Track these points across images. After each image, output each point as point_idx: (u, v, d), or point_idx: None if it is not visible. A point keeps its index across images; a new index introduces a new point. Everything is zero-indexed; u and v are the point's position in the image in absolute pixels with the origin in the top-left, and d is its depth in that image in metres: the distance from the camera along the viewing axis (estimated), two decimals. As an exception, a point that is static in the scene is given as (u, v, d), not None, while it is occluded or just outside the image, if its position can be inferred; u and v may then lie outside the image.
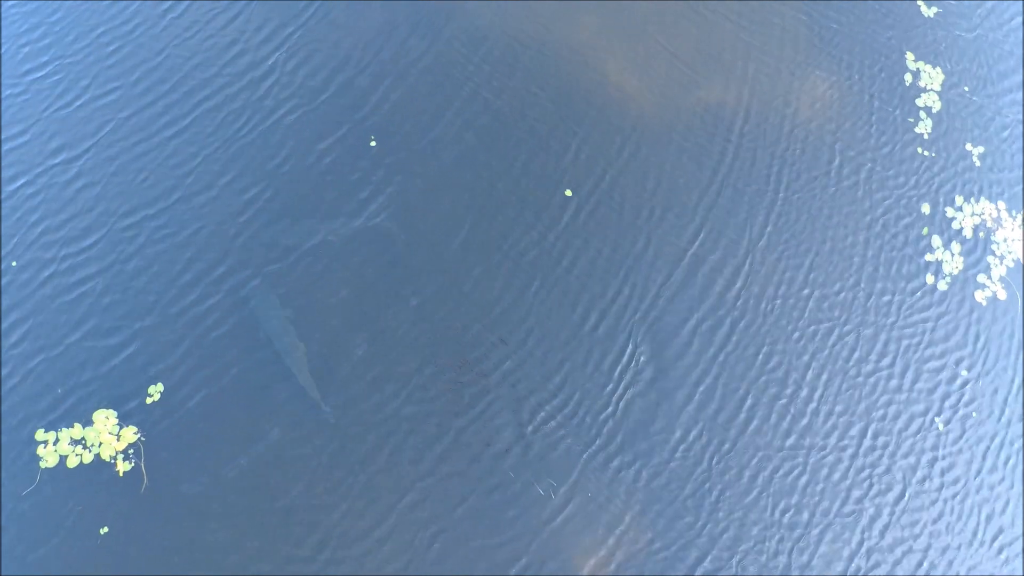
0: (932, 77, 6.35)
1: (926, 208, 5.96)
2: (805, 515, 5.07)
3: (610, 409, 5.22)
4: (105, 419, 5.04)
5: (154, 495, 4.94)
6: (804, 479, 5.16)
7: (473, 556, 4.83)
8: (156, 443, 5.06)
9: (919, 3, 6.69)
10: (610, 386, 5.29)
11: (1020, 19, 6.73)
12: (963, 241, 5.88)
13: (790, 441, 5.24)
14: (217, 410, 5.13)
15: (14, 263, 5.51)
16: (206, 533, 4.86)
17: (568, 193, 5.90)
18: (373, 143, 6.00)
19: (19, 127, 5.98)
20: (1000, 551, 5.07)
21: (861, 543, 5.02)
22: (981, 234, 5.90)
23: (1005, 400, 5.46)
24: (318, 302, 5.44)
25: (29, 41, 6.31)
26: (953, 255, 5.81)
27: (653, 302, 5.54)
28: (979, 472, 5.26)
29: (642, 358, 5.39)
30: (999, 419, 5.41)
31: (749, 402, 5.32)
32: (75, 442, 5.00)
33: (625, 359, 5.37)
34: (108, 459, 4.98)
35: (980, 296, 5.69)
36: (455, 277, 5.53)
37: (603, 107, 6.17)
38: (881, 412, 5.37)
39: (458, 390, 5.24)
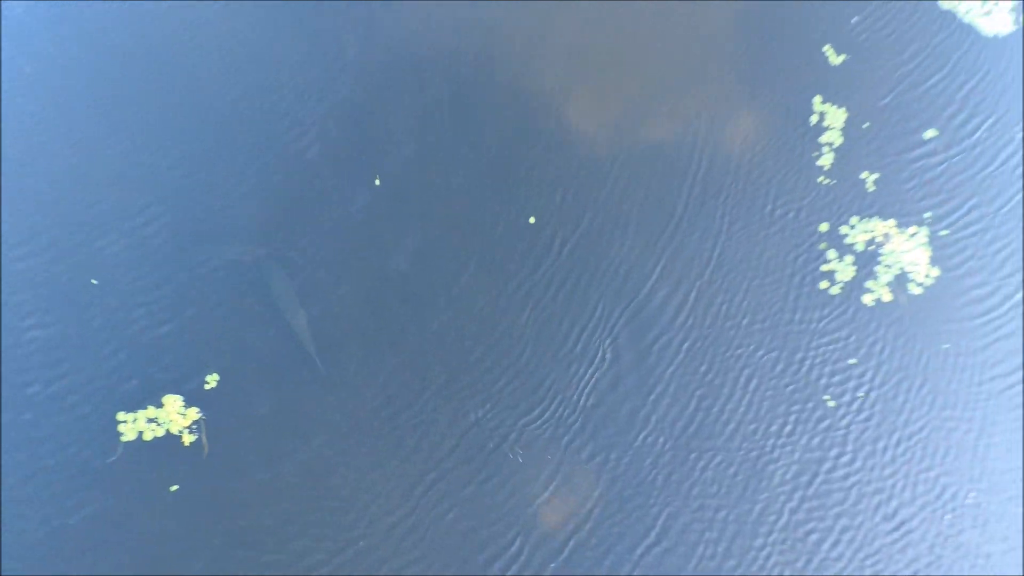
0: (836, 116, 7.58)
1: (824, 227, 7.22)
2: (734, 496, 6.41)
3: (584, 411, 6.60)
4: (173, 402, 6.47)
5: (212, 461, 6.34)
6: (734, 468, 6.47)
7: (477, 529, 6.26)
8: (215, 421, 6.45)
9: (826, 53, 7.90)
10: (585, 393, 6.66)
11: (922, 58, 7.88)
12: (857, 254, 7.15)
13: (724, 435, 6.56)
14: (265, 411, 6.51)
15: (94, 281, 6.89)
16: (254, 494, 6.30)
17: (532, 220, 7.23)
18: (377, 182, 7.32)
19: (101, 191, 6.85)
20: (899, 528, 6.36)
21: (779, 519, 6.36)
22: (871, 248, 7.18)
23: (895, 395, 6.69)
24: (347, 328, 6.75)
25: (98, 107, 7.16)
26: (848, 266, 7.08)
27: (620, 326, 6.84)
28: (874, 455, 6.50)
29: (610, 371, 6.72)
30: (895, 413, 6.64)
31: (692, 406, 6.66)
32: (150, 420, 6.40)
33: (597, 372, 6.71)
34: (176, 433, 6.39)
35: (868, 299, 6.98)
36: (462, 305, 6.87)
37: (566, 152, 7.32)
38: (795, 410, 6.65)
39: (463, 400, 6.64)
